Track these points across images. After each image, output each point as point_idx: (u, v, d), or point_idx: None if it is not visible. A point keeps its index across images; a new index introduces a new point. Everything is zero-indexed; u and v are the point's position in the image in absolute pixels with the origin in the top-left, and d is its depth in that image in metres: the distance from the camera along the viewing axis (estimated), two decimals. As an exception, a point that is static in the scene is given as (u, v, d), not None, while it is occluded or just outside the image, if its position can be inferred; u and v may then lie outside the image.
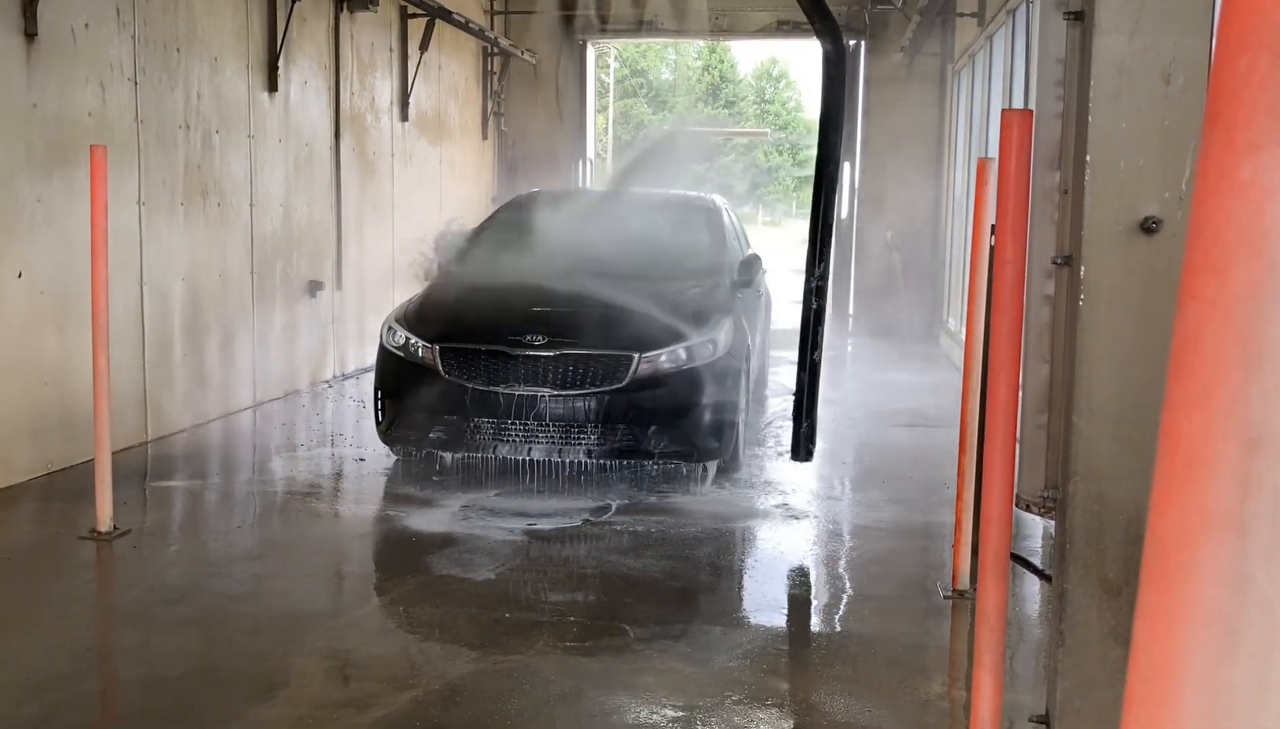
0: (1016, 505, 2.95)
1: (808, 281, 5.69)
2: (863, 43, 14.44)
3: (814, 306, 5.58)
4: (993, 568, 2.80)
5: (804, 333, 5.67)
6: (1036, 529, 5.85)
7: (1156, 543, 0.62)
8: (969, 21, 11.67)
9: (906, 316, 14.19)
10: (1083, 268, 2.60)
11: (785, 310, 13.63)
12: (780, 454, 7.70)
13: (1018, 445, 2.89)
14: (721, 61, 47.74)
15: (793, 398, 5.73)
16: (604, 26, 14.82)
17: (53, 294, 6.43)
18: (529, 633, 4.37)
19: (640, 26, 14.87)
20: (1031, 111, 2.80)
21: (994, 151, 11.04)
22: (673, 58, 46.91)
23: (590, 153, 15.98)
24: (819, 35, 5.72)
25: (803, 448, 5.76)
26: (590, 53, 15.74)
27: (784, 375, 10.98)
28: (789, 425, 8.58)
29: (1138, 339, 2.60)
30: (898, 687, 3.99)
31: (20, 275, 6.20)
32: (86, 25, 6.65)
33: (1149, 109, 2.53)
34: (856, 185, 14.81)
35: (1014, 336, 2.78)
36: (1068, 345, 2.70)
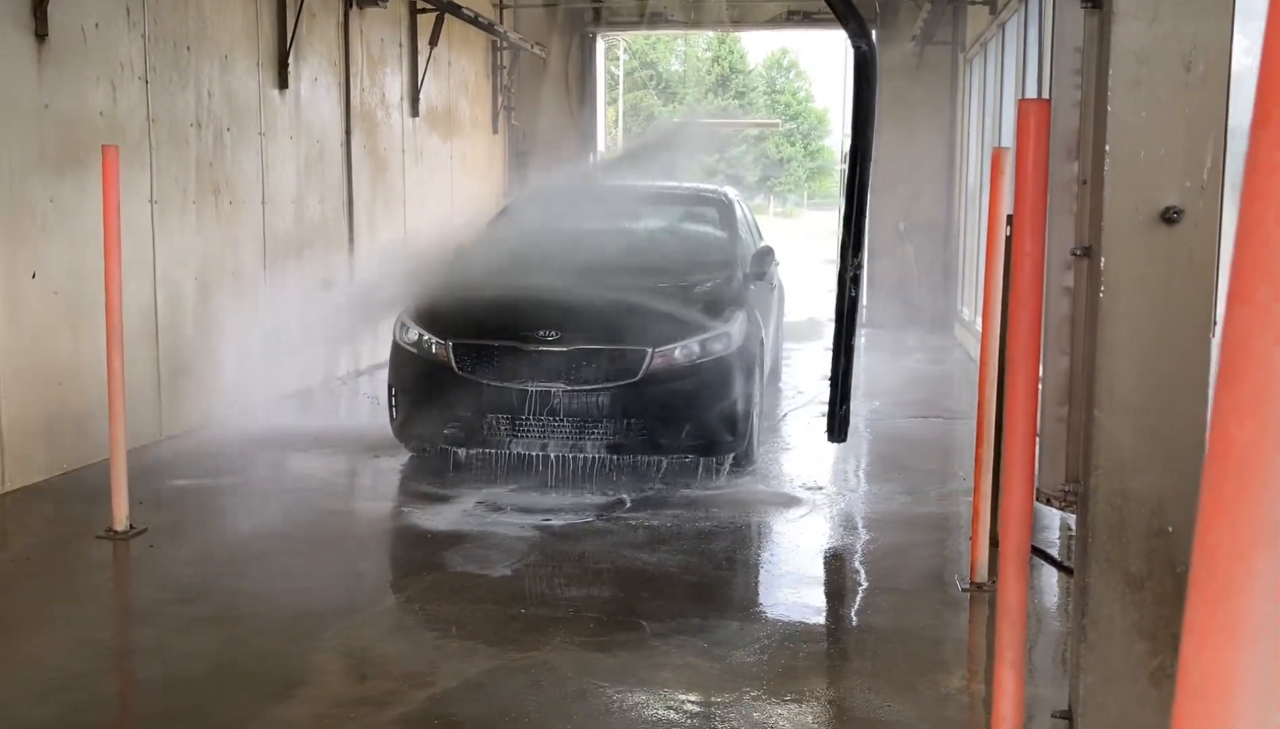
0: (1037, 499, 2.93)
1: (842, 272, 5.95)
2: (874, 32, 14.37)
3: (850, 294, 5.82)
4: (1013, 561, 2.77)
5: (839, 320, 5.91)
6: (1054, 521, 5.82)
7: (1206, 554, 0.60)
8: (980, 9, 11.60)
9: (920, 306, 14.14)
10: (1103, 259, 2.57)
11: (798, 303, 13.58)
12: (789, 449, 7.68)
13: (1038, 439, 2.87)
14: (731, 52, 47.64)
15: (828, 382, 6.05)
16: (614, 19, 14.78)
17: (66, 294, 6.44)
18: (545, 629, 4.36)
19: (650, 18, 14.82)
20: (1049, 101, 2.76)
21: (1008, 141, 11.04)
22: (682, 49, 46.82)
23: (601, 145, 15.95)
24: (852, 37, 6.06)
25: (839, 429, 5.96)
26: (600, 45, 15.70)
27: (797, 368, 10.95)
28: (804, 417, 8.57)
29: (1159, 330, 2.57)
30: (917, 680, 3.97)
31: (34, 276, 6.21)
32: (97, 25, 6.65)
33: (1169, 97, 2.49)
34: (871, 171, 14.73)
35: (1033, 329, 2.75)
36: (1088, 337, 2.67)
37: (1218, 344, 2.32)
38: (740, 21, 15.19)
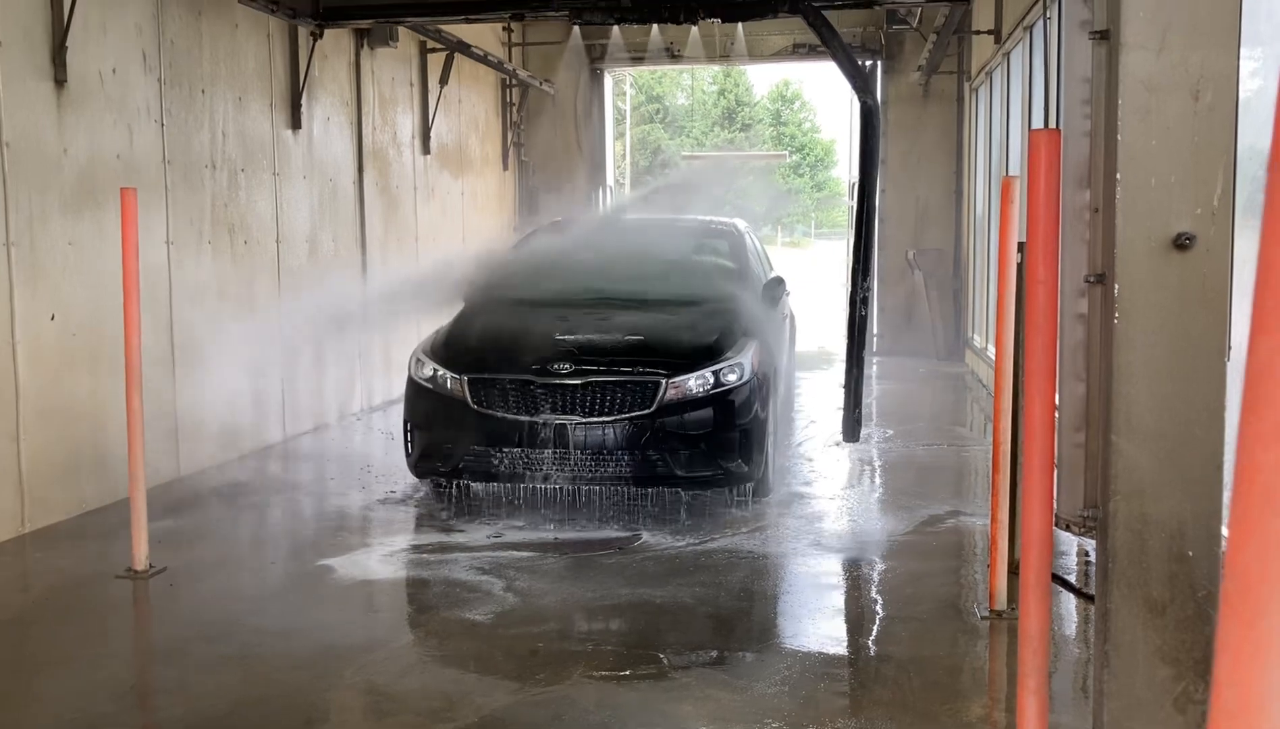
0: (1055, 525, 2.94)
1: (853, 293, 7.20)
2: (879, 63, 14.47)
3: (861, 314, 7.12)
4: (1034, 589, 2.78)
5: (850, 335, 7.16)
6: (1070, 546, 5.80)
7: (1237, 576, 0.62)
8: (985, 39, 11.68)
9: (930, 334, 14.15)
10: (1116, 285, 2.60)
11: (809, 331, 13.60)
12: (805, 478, 7.68)
13: (1055, 465, 2.88)
14: (737, 85, 47.92)
15: (843, 390, 7.13)
16: (620, 54, 14.89)
17: (85, 335, 6.50)
18: (565, 663, 4.37)
19: (657, 53, 14.94)
20: (1059, 131, 2.80)
21: (1015, 168, 11.11)
22: (689, 83, 47.11)
23: (610, 180, 16.05)
24: (858, 93, 7.47)
25: (853, 430, 7.19)
26: (608, 81, 15.83)
27: (810, 397, 10.96)
28: (818, 446, 8.58)
29: (1174, 355, 2.60)
30: (939, 710, 3.96)
31: (53, 318, 6.28)
32: (114, 70, 6.75)
33: (1178, 126, 2.53)
34: (877, 204, 14.79)
35: (1049, 356, 2.77)
36: (1104, 363, 2.69)
37: (1233, 368, 2.35)
38: (746, 55, 15.30)
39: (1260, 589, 0.61)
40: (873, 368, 13.54)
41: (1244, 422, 0.63)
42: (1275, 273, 0.61)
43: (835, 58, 7.40)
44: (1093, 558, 5.66)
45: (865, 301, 7.18)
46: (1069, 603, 5.05)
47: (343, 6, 8.57)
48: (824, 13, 7.24)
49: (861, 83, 7.57)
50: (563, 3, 7.99)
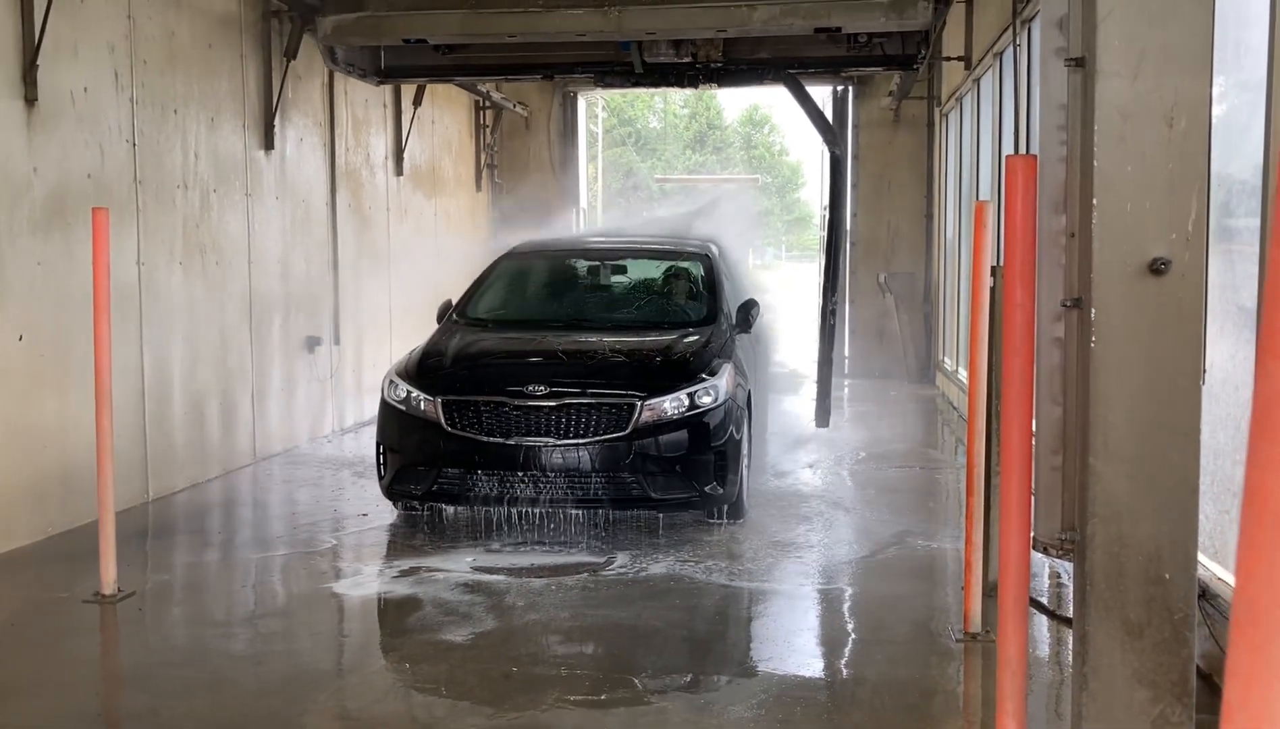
0: (1033, 547, 2.95)
1: (824, 305, 9.43)
2: (850, 88, 14.57)
3: (830, 323, 9.36)
4: (1013, 612, 2.79)
5: (821, 339, 9.43)
6: (1042, 568, 5.83)
7: (1246, 602, 0.62)
8: (956, 65, 11.81)
9: (902, 356, 14.23)
10: (1093, 310, 2.62)
11: (782, 353, 13.64)
12: (779, 498, 7.69)
13: (1033, 488, 2.89)
14: (708, 109, 48.16)
15: (815, 385, 9.39)
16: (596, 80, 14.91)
17: (53, 356, 6.42)
18: (540, 688, 4.34)
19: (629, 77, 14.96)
20: (1035, 157, 2.83)
21: (985, 193, 11.23)
22: (660, 106, 47.30)
23: (583, 202, 16.07)
24: (828, 145, 9.50)
25: (823, 418, 9.24)
26: (581, 104, 15.87)
27: (783, 419, 10.98)
28: (791, 466, 8.60)
29: (1150, 378, 2.62)
30: (915, 733, 3.96)
31: (21, 338, 6.20)
32: (85, 89, 6.70)
33: (1153, 152, 2.56)
34: (849, 228, 14.89)
35: (1026, 380, 2.79)
36: (1081, 387, 2.71)
37: (1207, 392, 2.37)
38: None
39: (1271, 613, 0.61)
40: (844, 390, 13.59)
41: (1252, 446, 0.64)
42: (1283, 299, 0.61)
43: (808, 115, 9.07)
44: (1065, 580, 5.69)
45: (834, 313, 9.36)
46: (1042, 625, 5.07)
47: (400, 66, 9.82)
48: (798, 78, 9.08)
49: (831, 137, 9.26)
50: (586, 68, 9.58)
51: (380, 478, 6.81)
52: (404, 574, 5.89)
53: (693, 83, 9.38)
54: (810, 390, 10.81)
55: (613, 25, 8.14)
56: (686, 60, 9.09)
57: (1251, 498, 0.63)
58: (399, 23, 8.47)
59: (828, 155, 9.33)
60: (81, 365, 6.18)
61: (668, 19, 8.19)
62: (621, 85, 9.83)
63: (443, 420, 6.48)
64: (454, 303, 7.92)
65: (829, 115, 10.58)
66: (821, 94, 12.27)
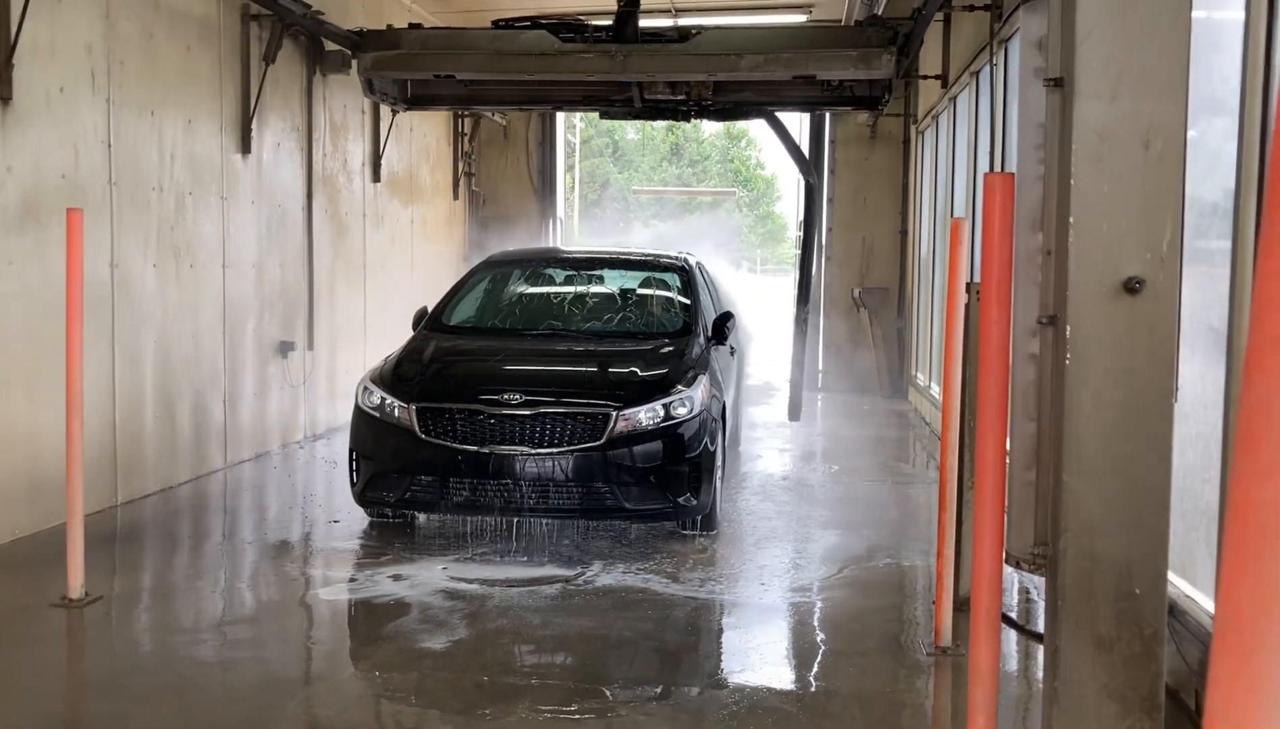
0: (1006, 562, 2.97)
1: (798, 314, 10.87)
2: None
3: (803, 330, 10.69)
4: (985, 627, 2.81)
5: (795, 343, 10.74)
6: (1011, 583, 5.87)
7: (1230, 612, 0.63)
8: (932, 83, 11.90)
9: (875, 371, 14.30)
10: (1068, 327, 2.65)
11: (755, 365, 13.68)
12: (755, 517, 7.71)
13: (1006, 503, 2.92)
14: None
15: (789, 383, 10.94)
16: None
17: (22, 356, 6.36)
18: (511, 698, 4.32)
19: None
20: (1013, 175, 2.86)
21: (960, 210, 11.33)
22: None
23: (560, 212, 16.08)
24: (804, 174, 10.84)
25: (795, 412, 10.69)
26: (559, 114, 15.88)
27: (757, 431, 11.01)
28: (763, 479, 8.63)
29: (1123, 396, 2.65)
30: (886, 746, 3.97)
31: (-9, 338, 6.14)
32: (61, 89, 6.65)
33: (1129, 173, 2.59)
34: (824, 243, 14.98)
35: (1001, 396, 2.82)
36: (1055, 404, 2.74)
37: (1178, 410, 2.39)
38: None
39: (1255, 623, 0.62)
40: (818, 404, 13.64)
41: (1238, 458, 0.65)
42: (1270, 310, 0.63)
43: (787, 149, 10.39)
44: (1034, 596, 5.73)
45: (805, 320, 10.87)
46: (1011, 640, 5.10)
47: (425, 95, 10.71)
48: (778, 115, 10.32)
49: (806, 167, 10.52)
50: (591, 102, 10.59)
51: (353, 485, 6.77)
52: (373, 582, 5.85)
53: (685, 117, 10.61)
54: (782, 401, 12.00)
55: (618, 67, 9.20)
56: (681, 97, 10.10)
57: (1236, 508, 0.64)
58: (431, 60, 9.64)
59: (803, 183, 10.90)
60: (51, 366, 6.12)
61: (666, 63, 9.25)
62: (622, 118, 11.03)
63: (417, 427, 6.45)
64: (430, 310, 7.90)
65: (807, 131, 11.06)
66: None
